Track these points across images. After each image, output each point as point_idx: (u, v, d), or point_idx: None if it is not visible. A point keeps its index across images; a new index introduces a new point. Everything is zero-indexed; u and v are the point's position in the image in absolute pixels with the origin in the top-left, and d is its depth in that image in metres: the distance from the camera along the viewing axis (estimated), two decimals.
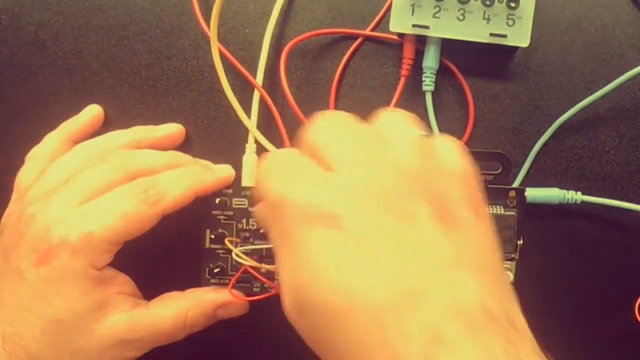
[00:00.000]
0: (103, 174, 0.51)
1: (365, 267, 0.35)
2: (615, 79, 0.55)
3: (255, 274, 0.51)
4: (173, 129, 0.57)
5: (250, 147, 0.56)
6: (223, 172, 0.54)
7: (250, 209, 0.53)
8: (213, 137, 0.58)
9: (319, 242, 0.36)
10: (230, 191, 0.54)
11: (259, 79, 0.56)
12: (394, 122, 0.42)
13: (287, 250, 0.38)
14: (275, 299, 0.52)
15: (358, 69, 0.58)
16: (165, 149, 0.56)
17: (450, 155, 0.42)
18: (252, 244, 0.53)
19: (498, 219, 0.53)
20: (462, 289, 0.36)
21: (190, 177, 0.52)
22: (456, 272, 0.36)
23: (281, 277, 0.38)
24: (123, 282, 0.51)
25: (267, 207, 0.40)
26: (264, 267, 0.52)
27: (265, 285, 0.53)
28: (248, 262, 0.51)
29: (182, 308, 0.51)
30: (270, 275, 0.53)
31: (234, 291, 0.52)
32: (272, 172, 0.40)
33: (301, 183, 0.38)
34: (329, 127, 0.41)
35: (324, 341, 0.37)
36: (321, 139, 0.40)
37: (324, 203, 0.37)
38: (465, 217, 0.39)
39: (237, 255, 0.51)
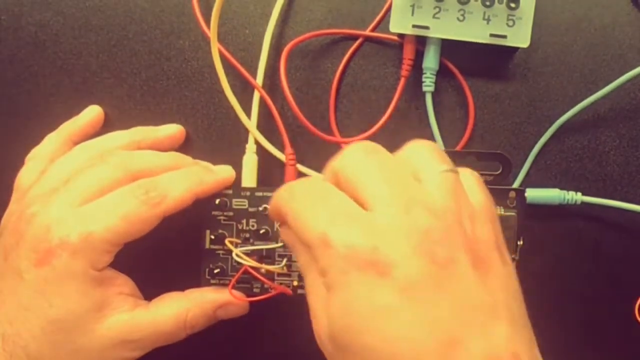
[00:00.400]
0: (103, 175, 0.50)
1: (411, 316, 0.37)
2: (615, 79, 0.55)
3: (255, 274, 0.51)
4: (173, 130, 0.57)
5: (250, 147, 0.56)
6: (223, 173, 0.54)
7: (277, 230, 0.53)
8: (213, 137, 0.58)
9: (367, 288, 0.37)
10: (231, 192, 0.53)
11: (259, 80, 0.57)
12: (423, 156, 0.42)
13: (334, 291, 0.38)
14: (275, 300, 0.52)
15: (358, 69, 0.58)
16: (165, 149, 0.56)
17: (475, 191, 0.43)
18: (252, 244, 0.53)
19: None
20: (496, 336, 0.37)
21: (191, 178, 0.52)
22: (491, 320, 0.38)
23: (319, 314, 0.40)
24: (123, 283, 0.51)
25: (302, 242, 0.41)
26: (264, 267, 0.52)
27: (266, 286, 0.53)
28: (248, 262, 0.51)
29: (182, 308, 0.51)
30: (270, 276, 0.53)
31: (234, 292, 0.52)
32: (309, 204, 0.41)
33: (345, 223, 0.39)
34: (362, 160, 0.41)
35: None
36: (355, 173, 0.41)
37: (373, 249, 0.37)
38: (495, 261, 0.40)
39: (237, 255, 0.51)
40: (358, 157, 0.42)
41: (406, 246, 0.37)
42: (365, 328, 0.37)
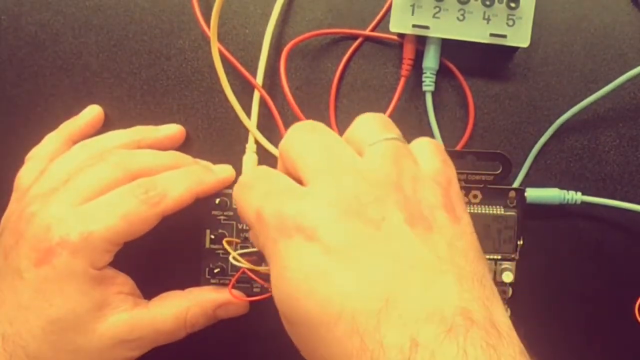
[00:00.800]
0: (103, 174, 0.51)
1: (341, 277, 0.37)
2: (615, 79, 0.55)
3: (253, 275, 0.51)
4: (173, 130, 0.57)
5: (250, 147, 0.56)
6: (223, 172, 0.54)
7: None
8: (213, 137, 0.58)
9: (296, 254, 0.38)
10: (230, 191, 0.53)
11: (259, 79, 0.56)
12: (368, 126, 0.44)
13: (271, 263, 0.40)
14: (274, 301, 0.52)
15: (358, 69, 0.58)
16: (165, 149, 0.56)
17: (425, 157, 0.43)
18: (252, 244, 0.53)
19: (498, 219, 0.53)
20: (440, 292, 0.36)
21: (191, 177, 0.52)
22: (433, 276, 0.37)
23: (272, 289, 0.40)
24: (123, 282, 0.51)
25: (248, 223, 0.42)
26: (261, 269, 0.52)
27: (266, 286, 0.53)
28: (245, 265, 0.51)
29: (182, 308, 0.51)
30: (268, 277, 0.53)
31: (234, 291, 0.52)
32: (247, 189, 0.43)
33: (275, 196, 0.40)
34: (300, 138, 0.43)
35: (310, 350, 0.39)
36: (292, 151, 0.43)
37: (298, 214, 0.38)
38: (439, 220, 0.40)
39: (234, 258, 0.51)
40: (297, 136, 0.43)
41: (334, 210, 0.38)
42: (302, 294, 0.37)
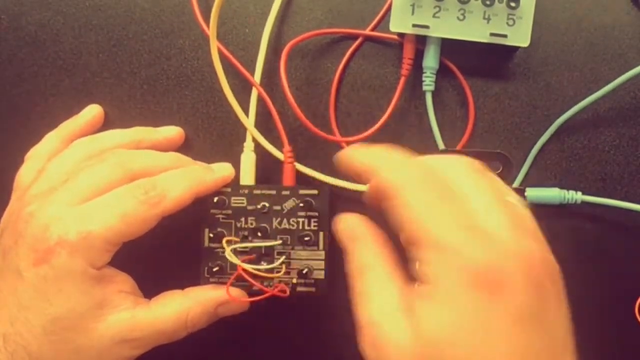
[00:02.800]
0: (103, 174, 0.50)
1: (516, 343, 0.36)
2: (615, 79, 0.55)
3: (247, 277, 0.51)
4: (172, 132, 0.57)
5: (249, 145, 0.56)
6: (223, 171, 0.54)
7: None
8: (213, 136, 0.58)
9: (479, 307, 0.37)
10: (229, 190, 0.53)
11: (257, 79, 0.56)
12: (504, 186, 0.42)
13: (435, 299, 0.37)
14: (275, 299, 0.52)
15: (358, 69, 0.58)
16: (163, 151, 0.56)
17: (526, 216, 0.42)
18: (251, 242, 0.53)
19: None
20: None
21: (190, 177, 0.52)
22: (565, 351, 0.39)
23: (397, 324, 0.39)
24: (123, 281, 0.51)
25: (411, 237, 0.39)
26: (259, 271, 0.52)
27: (265, 284, 0.53)
28: (241, 265, 0.51)
29: (183, 307, 0.51)
30: (264, 278, 0.53)
31: (233, 290, 0.52)
32: (430, 202, 0.40)
33: (465, 234, 0.38)
34: (470, 175, 0.41)
35: None
36: (465, 186, 0.40)
37: (491, 266, 0.37)
38: (562, 288, 0.40)
39: (229, 256, 0.51)
40: (468, 170, 0.42)
41: (525, 272, 0.37)
42: (472, 346, 0.36)
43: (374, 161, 0.44)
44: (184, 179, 0.52)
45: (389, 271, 0.40)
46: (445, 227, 0.38)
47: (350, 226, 0.44)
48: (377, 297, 0.40)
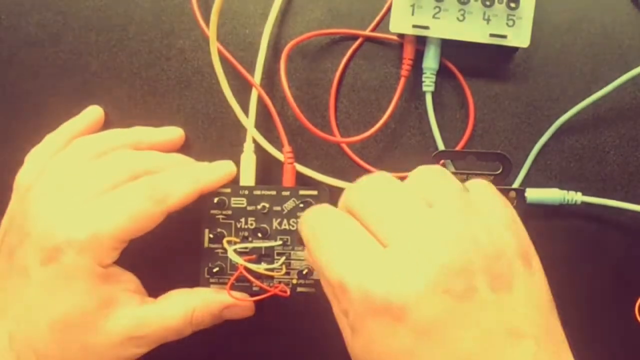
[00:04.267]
0: (109, 174, 0.51)
1: (429, 357, 0.37)
2: (615, 79, 0.55)
3: (249, 276, 0.51)
4: (173, 134, 0.58)
5: (249, 146, 0.56)
6: (225, 168, 0.55)
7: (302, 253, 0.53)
8: (213, 137, 0.58)
9: (384, 333, 0.38)
10: (229, 190, 0.54)
11: (257, 79, 0.56)
12: (431, 181, 0.43)
13: (354, 333, 0.40)
14: (276, 299, 0.52)
15: (358, 69, 0.58)
16: (164, 152, 0.56)
17: (488, 201, 0.43)
18: (251, 242, 0.53)
19: None
20: (520, 357, 0.38)
21: (194, 174, 0.53)
22: (513, 340, 0.38)
23: (348, 346, 0.41)
24: (129, 280, 0.51)
25: (327, 283, 0.42)
26: (260, 269, 0.52)
27: (266, 283, 0.53)
28: (243, 263, 0.51)
29: (189, 306, 0.52)
30: (265, 277, 0.53)
31: (235, 292, 0.52)
32: (328, 244, 0.42)
33: (360, 267, 0.39)
34: (372, 193, 0.42)
35: None
36: (367, 206, 0.42)
37: (386, 294, 0.38)
38: (517, 271, 0.40)
39: (232, 255, 0.51)
40: (368, 191, 0.43)
41: (421, 285, 0.38)
42: None
43: (300, 224, 0.46)
44: (188, 176, 0.52)
45: (337, 306, 0.42)
46: (339, 266, 0.40)
47: (308, 259, 0.48)
48: (341, 326, 0.43)
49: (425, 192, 0.42)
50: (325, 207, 0.45)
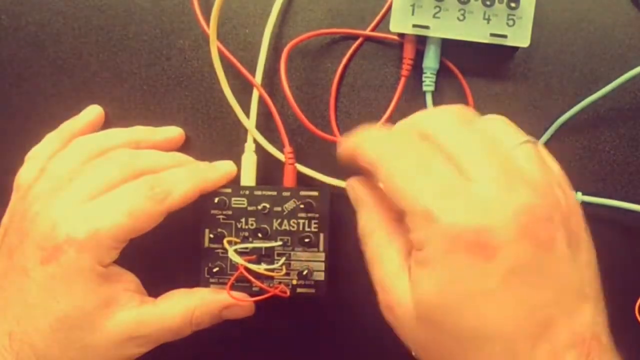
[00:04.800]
0: (110, 173, 0.51)
1: (511, 301, 0.37)
2: (615, 79, 0.55)
3: (249, 276, 0.51)
4: (173, 133, 0.58)
5: (249, 146, 0.56)
6: (225, 168, 0.55)
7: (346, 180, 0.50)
8: (213, 136, 0.58)
9: (470, 271, 0.37)
10: (230, 190, 0.53)
11: (258, 79, 0.56)
12: (503, 129, 0.42)
13: (428, 267, 0.38)
14: (275, 300, 0.52)
15: (358, 69, 0.58)
16: (164, 151, 0.56)
17: (553, 162, 0.43)
18: (251, 243, 0.53)
19: None
20: (582, 317, 0.38)
21: (195, 174, 0.53)
22: (580, 300, 0.39)
23: (393, 282, 0.40)
24: (129, 280, 0.51)
25: (403, 209, 0.40)
26: (260, 269, 0.52)
27: (265, 284, 0.53)
28: (243, 263, 0.51)
29: (189, 305, 0.52)
30: (265, 277, 0.53)
31: (235, 293, 0.52)
32: (412, 170, 0.40)
33: (451, 198, 0.38)
34: (458, 128, 0.41)
35: (448, 357, 0.39)
36: (453, 141, 0.40)
37: (480, 230, 0.37)
38: (583, 233, 0.41)
39: (233, 255, 0.51)
40: (454, 124, 0.41)
41: (512, 228, 0.37)
42: (464, 309, 0.38)
43: (357, 144, 0.44)
44: (188, 175, 0.52)
45: (389, 236, 0.41)
46: (426, 194, 0.38)
47: (356, 191, 0.45)
48: (382, 262, 0.41)
49: (501, 138, 0.41)
50: (392, 130, 0.44)
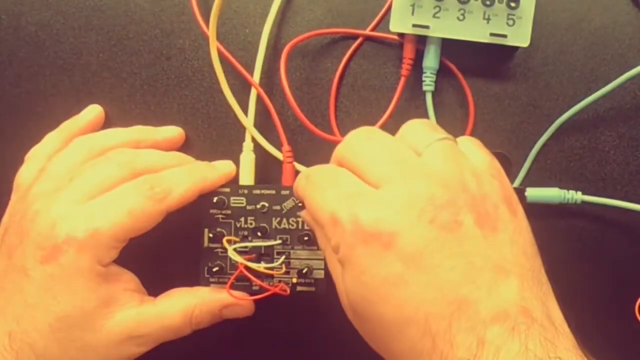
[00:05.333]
0: (109, 173, 0.51)
1: (417, 283, 0.38)
2: (615, 79, 0.55)
3: (249, 275, 0.51)
4: (173, 133, 0.58)
5: (248, 146, 0.56)
6: (225, 167, 0.55)
7: (299, 214, 0.53)
8: (212, 136, 0.58)
9: (373, 260, 0.39)
10: (228, 190, 0.54)
11: (257, 79, 0.56)
12: (418, 130, 0.45)
13: (345, 265, 0.41)
14: (275, 298, 0.52)
15: (358, 69, 0.58)
16: (164, 151, 0.56)
17: (475, 153, 0.45)
18: (251, 242, 0.53)
19: None
20: (505, 292, 0.39)
21: (194, 173, 0.53)
22: (498, 276, 0.39)
23: (339, 287, 0.42)
24: (129, 279, 0.51)
25: (319, 223, 0.43)
26: (260, 268, 0.52)
27: (265, 283, 0.53)
28: (244, 262, 0.51)
29: (189, 305, 0.52)
30: (270, 274, 0.53)
31: (235, 292, 0.52)
32: (318, 189, 0.44)
33: (351, 201, 0.41)
34: (362, 143, 0.44)
35: (381, 345, 0.41)
36: (358, 155, 0.43)
37: (376, 221, 0.39)
38: (502, 215, 0.41)
39: (232, 254, 0.51)
40: (358, 141, 0.44)
41: (409, 215, 0.39)
42: (377, 298, 0.39)
43: (294, 188, 0.48)
44: (188, 175, 0.52)
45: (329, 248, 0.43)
46: (332, 202, 0.42)
47: (307, 218, 0.47)
48: (332, 270, 0.44)
49: (415, 142, 0.44)
50: (318, 165, 0.47)
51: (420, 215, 0.39)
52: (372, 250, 0.39)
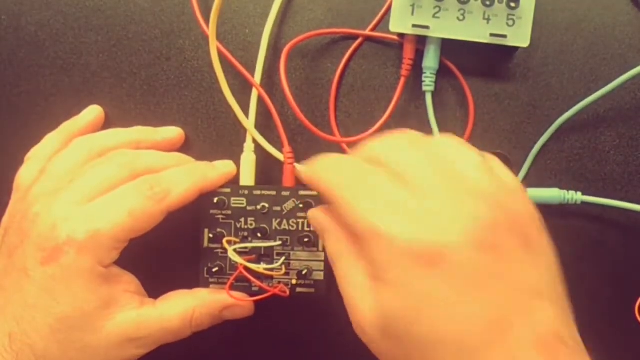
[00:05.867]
0: (110, 174, 0.51)
1: (461, 305, 0.38)
2: (615, 79, 0.55)
3: (248, 276, 0.51)
4: (173, 134, 0.58)
5: (249, 146, 0.56)
6: (225, 167, 0.55)
7: (307, 213, 0.51)
8: (212, 137, 0.58)
9: (419, 281, 0.38)
10: (229, 190, 0.54)
11: (257, 79, 0.56)
12: (454, 146, 0.43)
13: (382, 281, 0.39)
14: (275, 299, 0.52)
15: (358, 69, 0.58)
16: (164, 152, 0.56)
17: (505, 172, 0.44)
18: (251, 243, 0.53)
19: None
20: (541, 317, 0.38)
21: (195, 173, 0.53)
22: (537, 301, 0.39)
23: (359, 300, 0.41)
24: (129, 281, 0.51)
25: (349, 230, 0.42)
26: (260, 269, 0.52)
27: (264, 284, 0.53)
28: (243, 263, 0.51)
29: (188, 307, 0.52)
30: (269, 275, 0.53)
31: (234, 292, 0.52)
32: (359, 192, 0.41)
33: (396, 214, 0.39)
34: (406, 149, 0.42)
35: None
36: (402, 159, 0.42)
37: (423, 239, 0.38)
38: (537, 237, 0.41)
39: (232, 255, 0.51)
40: (401, 145, 0.43)
41: (455, 235, 0.38)
42: (417, 319, 0.38)
43: (312, 173, 0.45)
44: (188, 175, 0.52)
45: (355, 259, 0.41)
46: (372, 212, 0.40)
47: (318, 220, 0.45)
48: (349, 284, 0.42)
49: (452, 155, 0.42)
50: (343, 157, 0.45)
51: (466, 236, 0.38)
52: (418, 269, 0.38)
